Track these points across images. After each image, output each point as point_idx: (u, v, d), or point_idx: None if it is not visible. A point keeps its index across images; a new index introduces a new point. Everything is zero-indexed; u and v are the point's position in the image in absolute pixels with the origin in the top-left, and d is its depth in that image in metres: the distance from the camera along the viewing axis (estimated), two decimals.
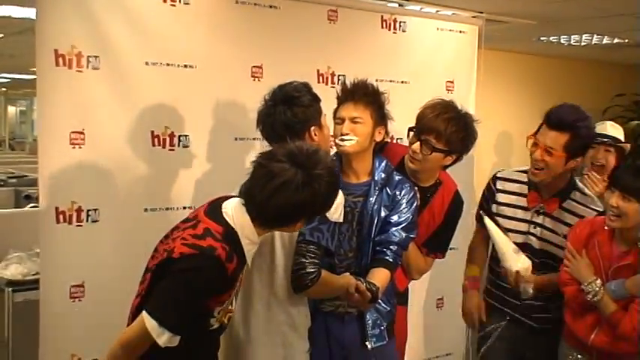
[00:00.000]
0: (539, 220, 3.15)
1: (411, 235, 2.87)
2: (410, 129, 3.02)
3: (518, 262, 3.03)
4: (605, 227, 2.85)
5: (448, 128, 2.89)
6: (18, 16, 5.39)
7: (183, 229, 2.27)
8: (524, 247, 3.12)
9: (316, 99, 2.78)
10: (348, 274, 2.74)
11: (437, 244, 3.20)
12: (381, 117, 2.85)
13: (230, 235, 2.24)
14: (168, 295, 2.16)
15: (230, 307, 2.39)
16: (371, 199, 2.82)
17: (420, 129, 2.95)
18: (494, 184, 3.31)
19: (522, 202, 3.19)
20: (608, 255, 2.85)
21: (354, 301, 2.65)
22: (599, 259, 2.86)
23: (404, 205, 2.84)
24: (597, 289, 2.79)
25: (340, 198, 2.60)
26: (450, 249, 4.75)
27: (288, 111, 2.67)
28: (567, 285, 2.93)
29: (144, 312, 2.14)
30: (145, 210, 3.54)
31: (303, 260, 2.60)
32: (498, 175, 3.34)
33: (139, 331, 2.13)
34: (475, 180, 4.94)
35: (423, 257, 3.16)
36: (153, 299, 2.18)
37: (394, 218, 2.83)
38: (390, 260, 2.79)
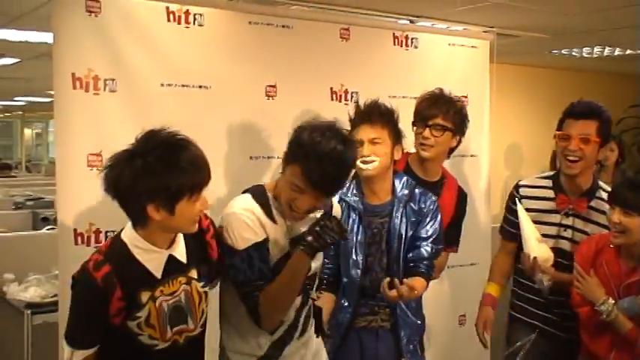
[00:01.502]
0: (569, 222, 3.15)
1: (440, 247, 2.95)
2: (413, 123, 3.21)
3: (539, 250, 3.02)
4: (611, 245, 2.85)
5: (450, 109, 3.18)
6: (35, 41, 5.46)
7: None
8: (555, 253, 3.10)
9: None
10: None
11: (452, 238, 3.30)
12: (397, 135, 2.90)
13: (113, 246, 2.23)
14: (68, 317, 2.23)
15: (185, 326, 2.29)
16: (396, 218, 2.88)
17: (425, 116, 3.16)
18: (517, 192, 3.31)
19: (550, 205, 3.19)
20: (617, 272, 2.85)
21: None
22: (608, 278, 2.85)
23: (430, 218, 2.91)
24: (610, 308, 2.78)
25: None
26: (471, 264, 4.81)
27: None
28: (580, 306, 2.93)
29: None
30: None
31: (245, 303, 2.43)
32: (520, 183, 3.35)
33: None
34: (489, 190, 4.95)
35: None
36: None
37: (423, 233, 2.89)
38: (424, 271, 2.85)
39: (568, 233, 3.15)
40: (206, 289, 2.38)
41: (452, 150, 3.30)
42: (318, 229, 2.31)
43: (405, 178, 2.97)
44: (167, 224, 2.17)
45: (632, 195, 2.76)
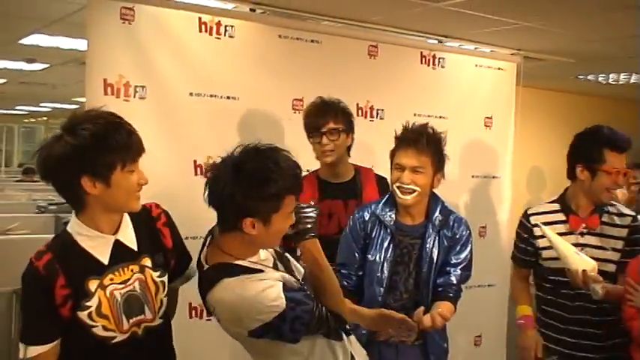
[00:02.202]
0: (584, 240, 3.16)
1: (469, 272, 2.92)
2: (309, 136, 3.29)
3: (583, 263, 2.97)
4: None
5: (337, 112, 3.25)
6: (65, 47, 5.53)
7: None
8: None
9: (278, 193, 2.09)
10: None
11: None
12: (440, 163, 2.86)
13: (56, 238, 2.22)
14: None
15: (142, 316, 2.24)
16: (428, 242, 2.86)
17: (318, 126, 3.22)
18: (528, 222, 3.31)
19: (564, 228, 3.19)
20: None
21: None
22: None
23: (462, 245, 2.90)
24: None
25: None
26: (489, 285, 4.79)
27: (228, 188, 2.07)
28: (633, 319, 2.87)
29: None
30: (186, 238, 3.56)
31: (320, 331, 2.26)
32: (529, 212, 3.36)
33: None
34: (511, 212, 4.95)
35: None
36: None
37: (453, 259, 2.88)
38: (452, 296, 2.83)
39: (586, 252, 3.12)
40: (164, 279, 2.31)
41: (349, 148, 3.33)
42: (303, 215, 2.27)
43: (442, 203, 2.95)
44: (106, 199, 2.12)
45: None
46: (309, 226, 2.28)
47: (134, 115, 3.41)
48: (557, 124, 7.36)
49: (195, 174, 3.63)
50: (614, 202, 3.24)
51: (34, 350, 2.12)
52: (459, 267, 2.87)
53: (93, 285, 2.15)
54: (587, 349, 3.16)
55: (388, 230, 2.89)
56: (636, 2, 3.67)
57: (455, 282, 2.85)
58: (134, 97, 3.43)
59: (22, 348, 2.13)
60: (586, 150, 3.14)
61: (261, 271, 2.15)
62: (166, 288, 2.33)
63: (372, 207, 2.97)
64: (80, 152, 2.04)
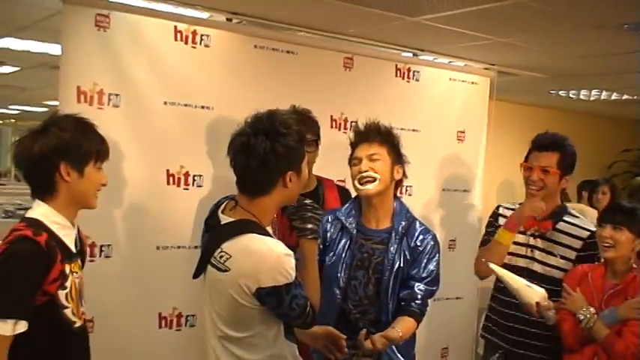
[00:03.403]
0: (535, 242, 3.29)
1: (434, 288, 2.86)
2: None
3: (535, 294, 3.05)
4: (602, 258, 3.05)
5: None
6: (37, 51, 5.46)
7: None
8: (525, 272, 3.22)
9: (302, 140, 2.35)
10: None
11: None
12: (397, 155, 2.85)
13: (31, 222, 2.23)
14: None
15: (83, 309, 2.37)
16: (391, 249, 2.81)
17: None
18: (498, 211, 3.51)
19: (520, 226, 3.31)
20: (601, 287, 3.02)
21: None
22: (593, 292, 3.01)
23: (426, 258, 2.84)
24: (590, 316, 2.93)
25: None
26: (457, 298, 4.82)
27: (269, 147, 2.22)
28: (564, 321, 3.03)
29: None
30: (157, 248, 3.57)
31: (297, 322, 2.36)
32: (502, 205, 3.54)
33: None
34: (480, 226, 4.98)
35: None
36: None
37: (417, 273, 2.82)
38: (417, 311, 2.78)
39: (535, 254, 3.28)
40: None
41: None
42: (309, 214, 2.45)
43: (406, 209, 2.92)
44: (75, 190, 2.28)
45: (621, 213, 3.02)
46: (315, 226, 2.45)
47: (108, 123, 3.39)
48: (528, 139, 7.41)
49: (168, 183, 3.61)
50: (578, 215, 3.35)
51: (24, 325, 2.12)
52: (424, 281, 2.81)
53: (67, 269, 2.27)
54: (528, 347, 3.26)
55: (349, 233, 2.87)
56: (609, 22, 3.74)
57: (419, 297, 2.79)
58: (108, 104, 3.40)
59: (9, 323, 2.09)
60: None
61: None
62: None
63: (336, 211, 2.96)
64: (64, 140, 2.24)
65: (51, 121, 2.31)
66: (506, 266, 3.18)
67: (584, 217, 3.39)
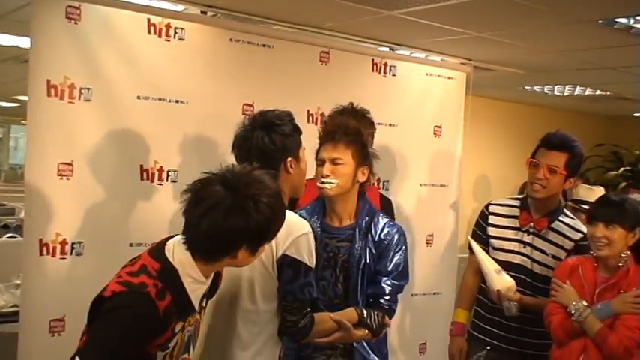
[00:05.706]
0: (529, 239, 3.26)
1: (403, 282, 2.81)
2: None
3: (499, 282, 3.11)
4: (594, 255, 2.98)
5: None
6: (6, 45, 5.35)
7: (123, 267, 2.10)
8: (519, 269, 3.21)
9: (297, 130, 2.55)
10: (352, 308, 2.67)
11: None
12: (363, 157, 2.79)
13: (167, 272, 2.04)
14: (99, 336, 1.96)
15: (186, 355, 2.22)
16: (356, 245, 2.76)
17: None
18: (487, 209, 3.44)
19: (514, 223, 3.31)
20: (592, 280, 2.97)
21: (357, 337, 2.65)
22: (584, 285, 2.97)
23: (392, 252, 2.78)
24: (582, 309, 2.88)
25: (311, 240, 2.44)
26: (434, 294, 4.82)
27: (265, 137, 2.44)
28: (554, 314, 2.99)
29: (76, 357, 1.94)
30: (131, 245, 3.49)
31: (293, 318, 2.38)
32: (491, 202, 3.48)
33: None
34: (457, 221, 5.00)
35: None
36: (84, 342, 2.01)
37: (384, 267, 2.76)
38: (386, 307, 2.73)
39: (527, 250, 3.25)
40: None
41: None
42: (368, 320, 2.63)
43: (367, 205, 2.85)
44: (231, 263, 2.13)
45: (611, 209, 2.94)
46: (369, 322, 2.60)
47: (79, 117, 3.35)
48: (505, 134, 7.47)
49: (142, 179, 3.55)
50: (574, 217, 3.33)
51: None
52: (392, 275, 2.75)
53: (178, 327, 2.08)
54: (512, 342, 3.25)
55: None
56: (584, 17, 3.73)
57: (387, 292, 2.73)
58: (79, 99, 3.33)
59: None
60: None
61: None
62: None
63: (302, 212, 2.86)
64: (246, 232, 2.01)
65: (252, 193, 2.03)
66: (503, 263, 3.20)
67: (577, 219, 3.34)
